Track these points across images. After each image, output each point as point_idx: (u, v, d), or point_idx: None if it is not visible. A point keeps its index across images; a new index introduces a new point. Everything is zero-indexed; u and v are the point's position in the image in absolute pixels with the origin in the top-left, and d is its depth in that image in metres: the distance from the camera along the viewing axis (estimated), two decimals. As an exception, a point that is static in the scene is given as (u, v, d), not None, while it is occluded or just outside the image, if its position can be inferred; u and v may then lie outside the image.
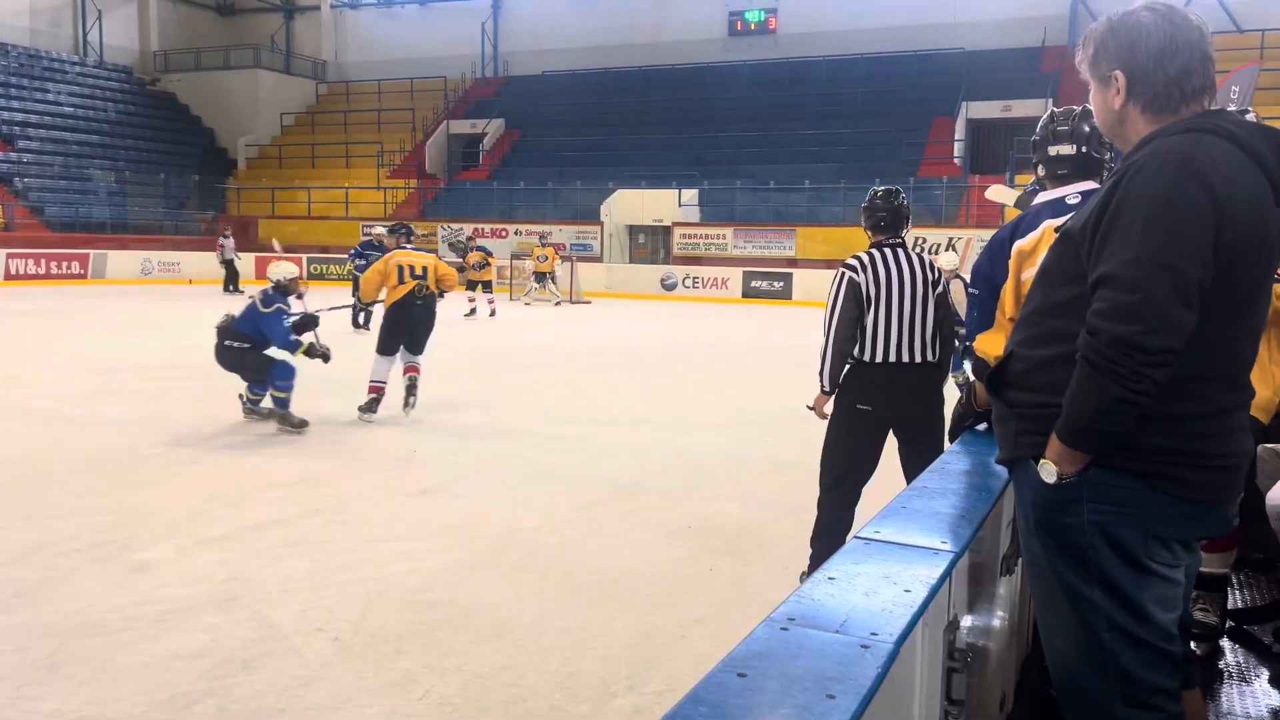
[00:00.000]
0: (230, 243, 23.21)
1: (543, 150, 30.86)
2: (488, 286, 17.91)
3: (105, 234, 27.20)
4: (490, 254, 19.36)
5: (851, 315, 3.97)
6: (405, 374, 7.98)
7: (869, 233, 4.18)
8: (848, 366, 4.08)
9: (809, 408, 4.21)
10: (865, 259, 4.03)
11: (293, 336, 7.27)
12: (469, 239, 19.69)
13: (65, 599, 3.91)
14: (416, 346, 8.01)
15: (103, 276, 25.28)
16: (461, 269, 18.28)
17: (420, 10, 36.61)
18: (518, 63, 35.03)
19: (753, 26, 32.36)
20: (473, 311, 17.37)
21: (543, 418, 8.14)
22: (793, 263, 24.29)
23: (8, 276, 23.56)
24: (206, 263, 27.02)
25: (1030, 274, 2.54)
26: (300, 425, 7.20)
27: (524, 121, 32.34)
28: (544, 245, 21.51)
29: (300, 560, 4.43)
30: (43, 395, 8.58)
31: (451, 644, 3.55)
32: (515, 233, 26.95)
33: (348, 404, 8.32)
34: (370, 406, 7.79)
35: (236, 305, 8.56)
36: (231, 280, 22.37)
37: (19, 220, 26.25)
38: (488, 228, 27.57)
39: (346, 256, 15.71)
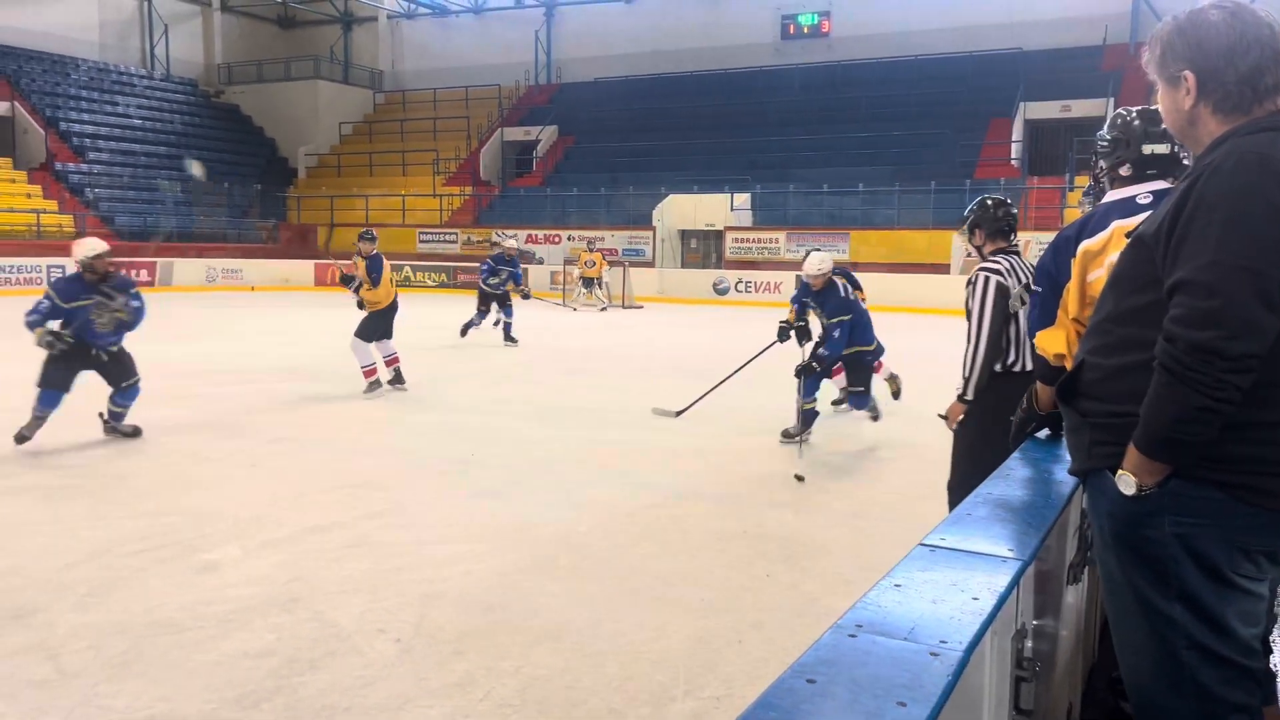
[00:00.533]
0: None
1: (595, 156, 31.03)
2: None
3: (171, 242, 27.97)
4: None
5: (1002, 320, 3.76)
6: (389, 365, 9.45)
7: (988, 240, 3.96)
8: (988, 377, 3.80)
9: (941, 416, 3.96)
10: (1006, 263, 3.82)
11: (31, 318, 6.73)
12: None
13: (135, 598, 4.02)
14: (390, 333, 9.61)
15: (169, 284, 25.97)
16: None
17: (475, 20, 37.08)
18: (570, 70, 35.30)
19: (805, 30, 32.19)
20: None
21: (594, 422, 8.18)
22: (848, 266, 24.06)
23: (79, 284, 24.29)
24: (268, 269, 27.66)
25: (1097, 274, 2.50)
26: (134, 433, 7.15)
27: (577, 128, 32.57)
28: (591, 250, 21.33)
29: (360, 562, 4.50)
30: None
31: (509, 646, 3.58)
32: (568, 238, 27.10)
33: (405, 408, 8.45)
34: (377, 383, 9.25)
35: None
36: None
37: (90, 229, 27.06)
38: (541, 233, 27.78)
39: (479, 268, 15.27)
